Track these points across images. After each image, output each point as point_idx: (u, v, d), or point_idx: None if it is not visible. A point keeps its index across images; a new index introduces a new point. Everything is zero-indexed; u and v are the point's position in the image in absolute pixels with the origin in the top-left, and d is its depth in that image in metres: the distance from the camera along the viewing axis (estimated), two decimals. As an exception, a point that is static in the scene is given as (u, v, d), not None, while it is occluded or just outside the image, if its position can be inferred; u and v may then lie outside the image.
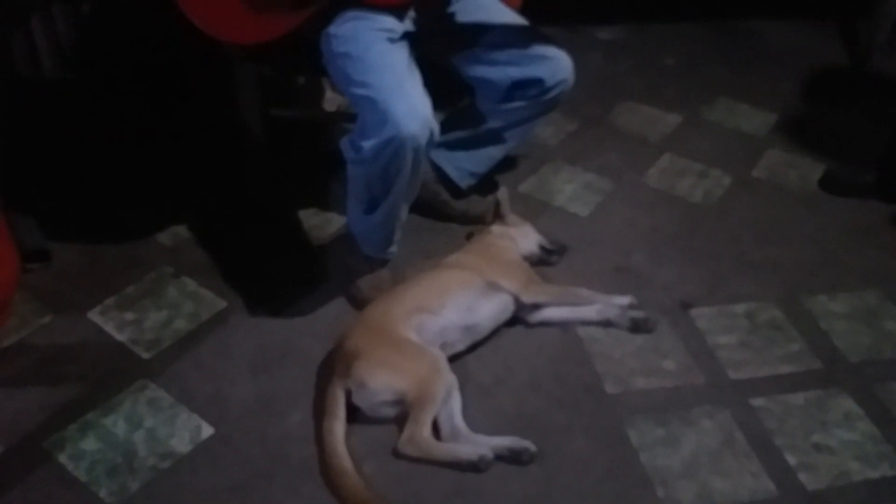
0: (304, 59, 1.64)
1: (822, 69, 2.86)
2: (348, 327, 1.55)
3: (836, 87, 2.77)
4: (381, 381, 1.43)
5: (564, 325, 1.70)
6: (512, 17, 1.77)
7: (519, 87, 1.77)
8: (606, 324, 1.70)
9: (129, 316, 1.69)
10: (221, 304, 1.73)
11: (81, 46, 2.20)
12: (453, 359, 1.55)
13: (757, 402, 1.56)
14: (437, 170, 1.94)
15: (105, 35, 2.23)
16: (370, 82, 1.47)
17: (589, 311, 1.71)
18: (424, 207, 1.94)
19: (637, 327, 1.69)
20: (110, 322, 1.67)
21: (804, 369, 1.64)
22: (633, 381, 1.60)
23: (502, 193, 1.89)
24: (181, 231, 1.93)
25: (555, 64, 1.76)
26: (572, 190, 2.16)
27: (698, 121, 2.52)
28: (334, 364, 1.49)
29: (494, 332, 1.65)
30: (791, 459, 1.45)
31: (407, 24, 1.62)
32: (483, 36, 1.73)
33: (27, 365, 1.57)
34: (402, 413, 1.42)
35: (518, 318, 1.69)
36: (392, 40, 1.56)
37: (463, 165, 1.96)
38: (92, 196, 2.02)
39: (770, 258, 1.94)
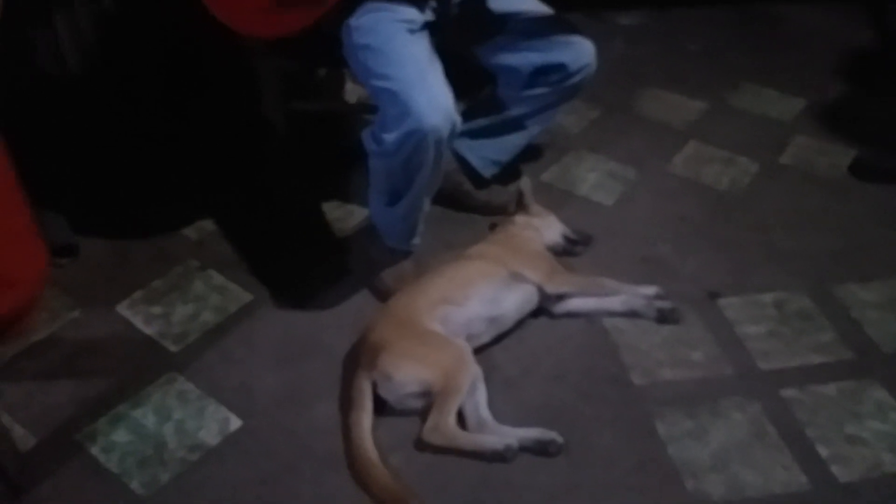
0: (325, 51, 1.64)
1: (850, 52, 2.80)
2: (373, 319, 1.55)
3: (864, 70, 2.70)
4: (406, 373, 1.43)
5: (590, 316, 1.69)
6: (533, 5, 1.75)
7: (541, 73, 1.75)
8: (632, 314, 1.69)
9: (157, 310, 1.70)
10: (247, 296, 1.74)
11: (105, 43, 2.21)
12: (479, 350, 1.55)
13: (788, 393, 1.54)
14: (460, 159, 1.94)
15: (128, 31, 2.24)
16: (391, 74, 1.46)
17: (614, 302, 1.69)
18: (447, 198, 1.93)
19: (664, 318, 1.67)
20: (138, 316, 1.69)
21: (835, 359, 1.62)
22: (661, 372, 1.58)
23: (525, 183, 1.88)
24: (206, 225, 1.94)
25: (577, 49, 1.74)
26: (596, 179, 2.14)
27: (724, 107, 2.48)
28: (360, 356, 1.49)
29: (519, 324, 1.65)
30: (823, 451, 1.43)
31: (427, 15, 1.61)
32: (505, 24, 1.72)
33: (57, 359, 1.59)
34: (428, 405, 1.42)
35: (543, 309, 1.68)
36: (412, 31, 1.55)
37: (486, 154, 1.95)
38: (119, 191, 2.04)
39: (799, 247, 1.91)
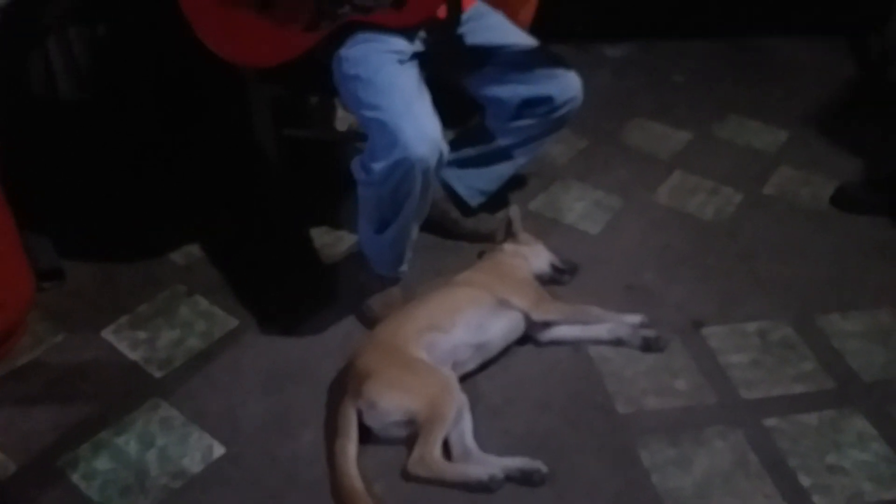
0: (316, 79, 1.66)
1: (833, 85, 2.85)
2: (359, 346, 1.56)
3: (846, 103, 2.76)
4: (391, 402, 1.43)
5: (575, 344, 1.70)
6: (521, 37, 1.78)
7: (528, 106, 1.78)
8: (618, 342, 1.70)
9: (142, 335, 1.70)
10: (233, 322, 1.74)
11: (97, 68, 2.23)
12: (464, 378, 1.55)
13: (770, 422, 1.55)
14: (448, 188, 1.95)
15: (121, 57, 2.26)
16: (380, 105, 1.48)
17: (600, 330, 1.70)
18: (435, 226, 1.95)
19: (648, 346, 1.69)
20: (123, 341, 1.69)
21: (817, 389, 1.63)
22: (645, 400, 1.59)
23: (514, 212, 1.90)
24: (194, 250, 1.94)
25: (564, 82, 1.77)
26: (583, 208, 2.16)
27: (709, 138, 2.52)
28: (346, 384, 1.50)
29: (505, 351, 1.65)
30: (805, 481, 1.43)
31: (417, 45, 1.63)
32: (493, 56, 1.74)
33: (40, 384, 1.59)
34: (413, 433, 1.42)
35: (529, 336, 1.69)
36: (402, 62, 1.57)
37: (473, 184, 1.97)
38: (106, 215, 2.04)
39: (782, 276, 1.93)
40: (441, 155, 1.50)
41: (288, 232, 2.03)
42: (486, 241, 1.93)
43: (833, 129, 2.57)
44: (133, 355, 1.65)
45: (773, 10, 3.20)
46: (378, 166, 1.48)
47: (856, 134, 2.54)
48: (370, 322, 1.70)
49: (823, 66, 2.98)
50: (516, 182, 2.13)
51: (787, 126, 2.58)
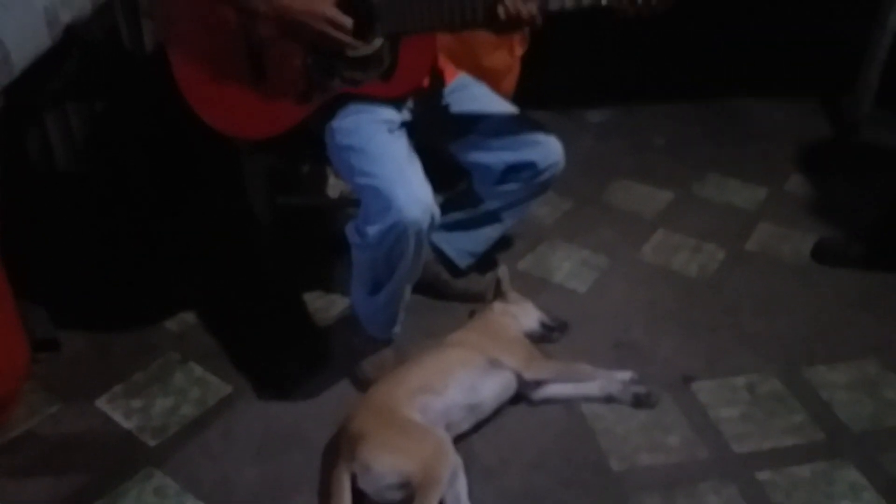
0: (308, 149, 1.72)
1: (808, 144, 2.96)
2: (352, 409, 1.56)
3: (821, 160, 2.85)
4: (385, 465, 1.43)
5: (568, 402, 1.72)
6: (504, 106, 1.86)
7: (513, 171, 1.84)
8: (609, 399, 1.72)
9: (137, 403, 1.70)
10: (227, 389, 1.75)
11: (94, 141, 2.29)
12: (458, 439, 1.56)
13: (763, 475, 1.56)
14: (437, 251, 2.00)
15: (117, 130, 2.32)
16: (374, 172, 1.53)
17: (591, 387, 1.72)
18: (426, 287, 1.98)
19: (639, 402, 1.71)
20: (118, 410, 1.69)
21: (808, 441, 1.65)
22: (638, 457, 1.60)
23: (503, 271, 1.94)
24: (189, 317, 1.97)
25: (546, 148, 1.83)
26: (570, 267, 2.21)
27: (690, 197, 2.60)
28: (339, 447, 1.50)
29: (498, 411, 1.67)
30: (800, 534, 1.44)
31: (405, 114, 1.70)
32: (477, 124, 1.81)
33: (35, 455, 1.58)
34: (408, 497, 1.41)
35: (521, 395, 1.71)
36: (391, 130, 1.63)
37: (462, 246, 2.01)
38: (102, 284, 2.07)
39: (768, 330, 1.97)
40: (433, 218, 1.54)
41: (281, 297, 2.06)
42: (476, 301, 1.97)
43: (810, 186, 2.66)
44: (127, 424, 1.65)
45: (747, 73, 3.35)
46: (372, 230, 1.52)
47: (831, 190, 2.62)
48: (363, 385, 1.72)
49: (797, 127, 3.09)
50: (504, 243, 2.18)
51: (765, 184, 2.66)
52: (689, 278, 2.18)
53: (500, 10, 1.47)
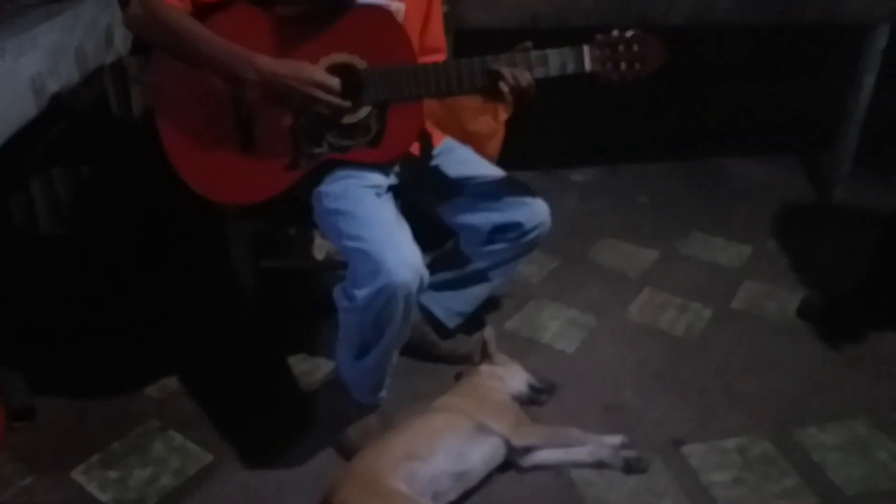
0: (295, 214, 1.72)
1: (790, 201, 3.00)
2: (336, 479, 1.52)
3: (804, 218, 2.90)
4: (371, 538, 1.39)
5: (557, 468, 1.68)
6: (489, 169, 1.88)
7: (500, 231, 1.84)
8: (599, 465, 1.68)
9: (113, 474, 1.65)
10: (208, 457, 1.70)
11: (79, 205, 2.29)
12: (445, 509, 1.52)
13: (757, 542, 1.53)
14: (425, 311, 1.99)
15: (103, 195, 2.32)
16: (363, 235, 1.53)
17: (581, 453, 1.69)
18: (413, 349, 1.96)
19: (630, 467, 1.67)
20: (94, 481, 1.63)
21: (801, 505, 1.62)
22: (630, 525, 1.56)
23: (489, 333, 1.92)
24: (169, 383, 1.93)
25: (532, 209, 1.85)
26: (557, 326, 2.20)
27: (675, 255, 2.61)
28: (323, 519, 1.45)
29: (486, 479, 1.63)
30: None
31: (391, 179, 1.72)
32: (463, 187, 1.83)
33: (5, 530, 1.52)
34: (394, 570, 1.37)
35: (510, 462, 1.67)
36: (379, 194, 1.64)
37: (450, 305, 2.00)
38: (81, 348, 2.03)
39: (757, 390, 1.96)
40: (422, 280, 1.54)
41: (264, 361, 2.03)
42: (463, 363, 1.95)
43: (793, 244, 2.69)
44: (103, 497, 1.60)
45: (728, 133, 3.42)
46: (361, 293, 1.51)
47: (814, 248, 2.66)
48: (348, 453, 1.68)
49: (779, 184, 3.15)
50: (491, 303, 2.17)
51: (749, 241, 2.69)
52: (676, 337, 2.17)
53: (502, 85, 1.51)
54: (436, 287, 1.96)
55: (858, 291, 2.22)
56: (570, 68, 1.54)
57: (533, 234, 1.86)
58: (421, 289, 1.55)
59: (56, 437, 1.75)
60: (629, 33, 1.54)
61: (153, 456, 1.70)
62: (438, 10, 1.80)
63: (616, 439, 1.72)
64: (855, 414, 1.88)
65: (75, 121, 2.15)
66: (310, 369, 2.00)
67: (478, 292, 2.01)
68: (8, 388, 1.76)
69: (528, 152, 2.55)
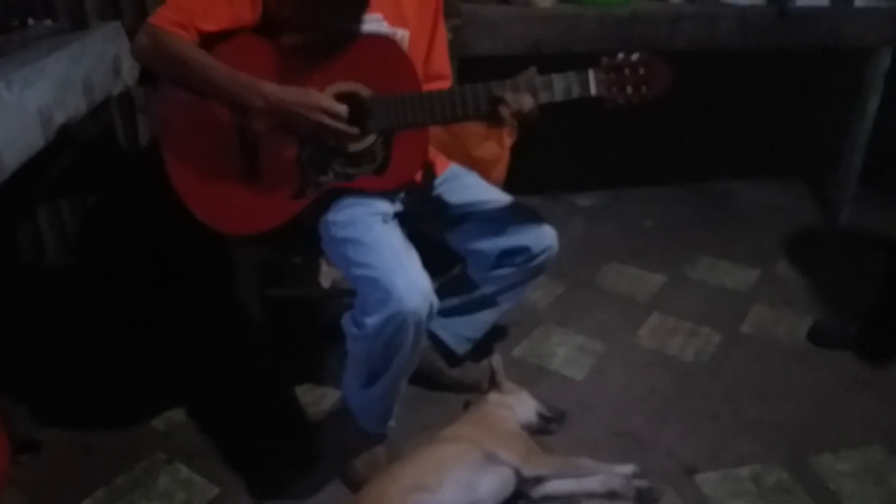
0: (302, 242, 1.72)
1: (796, 224, 2.99)
2: (345, 512, 1.50)
3: (810, 241, 2.88)
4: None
5: (569, 499, 1.65)
6: (495, 194, 1.87)
7: (507, 256, 1.84)
8: (611, 495, 1.65)
9: (118, 509, 1.63)
10: (214, 490, 1.68)
11: (86, 235, 2.29)
12: (455, 541, 1.49)
13: (775, 574, 1.49)
14: (434, 337, 1.97)
15: (110, 225, 2.33)
16: (371, 263, 1.52)
17: (592, 483, 1.66)
18: (421, 377, 1.94)
19: (642, 498, 1.64)
20: (99, 515, 1.62)
21: (819, 536, 1.59)
22: (644, 556, 1.53)
23: (497, 361, 1.90)
24: (176, 414, 1.91)
25: (539, 233, 1.84)
26: (565, 353, 2.18)
27: (682, 279, 2.60)
28: (332, 553, 1.43)
29: (497, 510, 1.60)
30: None
31: (398, 205, 1.71)
32: (470, 212, 1.83)
33: (8, 568, 1.50)
34: None
35: (520, 492, 1.64)
36: (385, 221, 1.64)
37: (459, 331, 1.99)
38: (87, 380, 2.01)
39: (769, 416, 1.93)
40: (432, 307, 1.53)
41: (271, 391, 2.01)
42: (471, 391, 1.92)
43: (800, 267, 2.67)
44: (108, 531, 1.58)
45: (733, 156, 3.42)
46: (371, 321, 1.50)
47: (821, 271, 2.64)
48: (355, 485, 1.65)
49: (785, 207, 3.14)
50: (499, 329, 2.16)
51: (756, 265, 2.68)
52: (686, 363, 2.15)
53: (503, 110, 1.51)
54: (444, 313, 1.95)
55: (869, 315, 2.20)
56: (576, 92, 1.54)
57: (541, 258, 1.85)
58: (431, 315, 1.54)
59: (61, 471, 1.73)
60: (634, 56, 1.54)
61: (159, 490, 1.68)
62: (443, 37, 1.82)
63: (628, 468, 1.70)
64: (869, 439, 1.85)
65: (82, 151, 2.16)
66: (316, 399, 1.98)
67: (486, 317, 1.99)
68: (13, 421, 1.73)
69: (532, 177, 2.55)
